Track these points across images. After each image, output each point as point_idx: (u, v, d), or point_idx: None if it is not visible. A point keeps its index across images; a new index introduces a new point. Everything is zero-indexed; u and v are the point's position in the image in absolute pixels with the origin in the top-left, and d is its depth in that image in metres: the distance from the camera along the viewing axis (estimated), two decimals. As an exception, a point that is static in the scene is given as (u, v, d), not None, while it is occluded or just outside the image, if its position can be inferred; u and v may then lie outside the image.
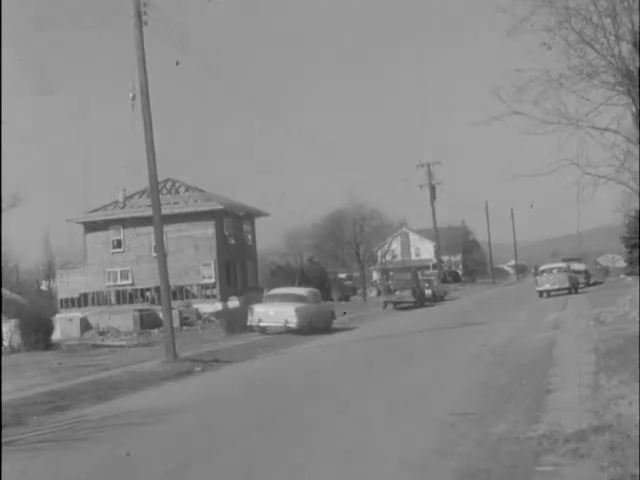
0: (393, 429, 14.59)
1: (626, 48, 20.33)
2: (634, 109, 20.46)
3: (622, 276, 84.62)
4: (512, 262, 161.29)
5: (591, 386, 17.03)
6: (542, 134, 21.34)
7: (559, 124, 21.08)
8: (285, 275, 72.97)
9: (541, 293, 63.03)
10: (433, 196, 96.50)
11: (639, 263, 69.24)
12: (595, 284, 76.65)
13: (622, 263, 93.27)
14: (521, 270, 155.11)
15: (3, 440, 15.42)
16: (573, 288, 64.20)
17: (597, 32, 20.50)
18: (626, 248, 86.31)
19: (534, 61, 20.92)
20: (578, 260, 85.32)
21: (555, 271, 65.53)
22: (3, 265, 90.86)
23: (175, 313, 45.38)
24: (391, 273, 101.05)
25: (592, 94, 21.05)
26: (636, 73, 20.13)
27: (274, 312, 40.80)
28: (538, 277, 66.41)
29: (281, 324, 40.56)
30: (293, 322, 40.33)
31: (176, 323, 42.92)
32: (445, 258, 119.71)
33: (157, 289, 46.65)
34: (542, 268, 68.23)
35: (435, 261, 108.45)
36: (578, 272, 73.18)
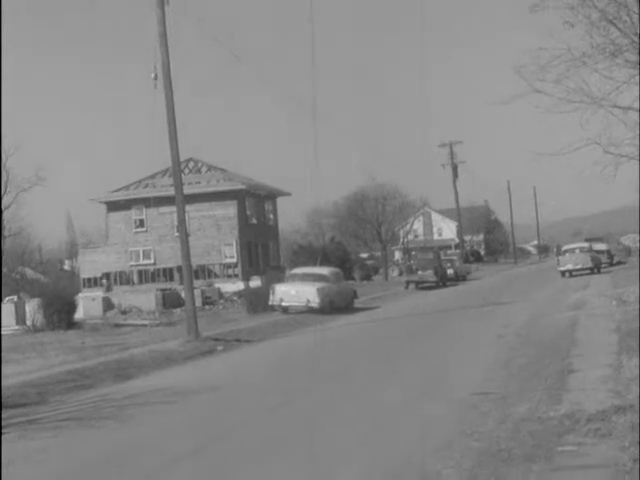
0: (416, 409, 14.60)
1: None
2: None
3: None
4: (534, 242, 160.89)
5: (613, 366, 16.99)
6: (564, 113, 21.23)
7: (581, 103, 20.97)
8: (307, 255, 72.99)
9: (563, 273, 62.89)
10: (455, 175, 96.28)
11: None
12: (618, 264, 76.33)
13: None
14: (543, 250, 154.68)
15: (25, 419, 15.56)
16: (595, 268, 64.02)
17: (620, 10, 20.34)
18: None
19: (556, 40, 20.79)
20: (600, 240, 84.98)
21: (577, 251, 65.35)
22: (26, 245, 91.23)
23: (197, 292, 45.48)
24: (413, 253, 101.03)
25: (615, 73, 20.93)
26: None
27: (296, 292, 40.88)
28: (560, 257, 66.22)
29: (303, 304, 40.62)
30: (315, 302, 40.38)
31: (198, 302, 43.10)
32: (467, 238, 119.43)
33: (179, 268, 46.73)
34: (564, 248, 68.03)
35: (457, 241, 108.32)
36: (600, 252, 72.87)
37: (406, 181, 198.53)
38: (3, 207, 77.37)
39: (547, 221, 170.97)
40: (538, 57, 20.65)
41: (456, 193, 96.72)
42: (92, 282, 69.12)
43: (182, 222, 30.57)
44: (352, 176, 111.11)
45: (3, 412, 15.97)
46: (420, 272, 65.88)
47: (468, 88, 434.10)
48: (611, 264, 74.26)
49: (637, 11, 20.14)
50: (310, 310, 40.09)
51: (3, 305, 45.71)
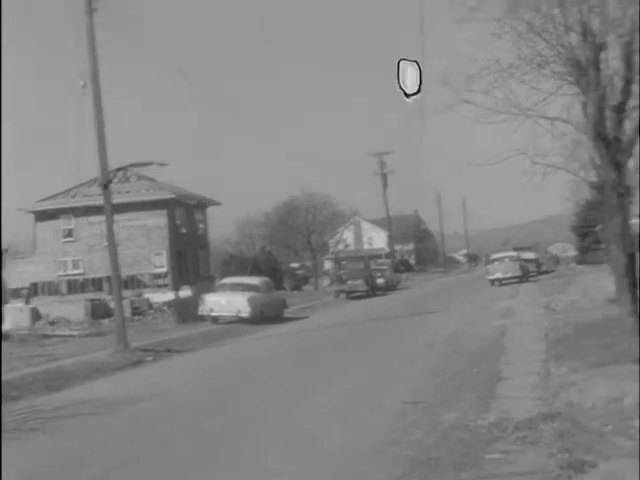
0: (346, 419, 14.61)
1: (575, 38, 20.46)
2: (583, 99, 20.61)
3: (572, 265, 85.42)
4: (464, 251, 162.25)
5: (541, 374, 17.19)
6: (492, 123, 21.45)
7: (509, 113, 21.19)
8: (237, 264, 72.82)
9: (492, 282, 63.41)
10: (385, 185, 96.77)
11: (590, 252, 69.91)
12: (546, 273, 77.23)
13: (572, 252, 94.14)
14: (473, 259, 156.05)
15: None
16: (524, 277, 64.67)
17: (546, 22, 20.60)
18: (576, 237, 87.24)
19: (484, 51, 21.02)
20: (529, 249, 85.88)
21: (506, 260, 65.96)
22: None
23: (126, 303, 45.11)
24: (343, 262, 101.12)
25: (542, 84, 21.18)
26: (585, 63, 20.27)
27: (226, 301, 40.75)
28: (489, 266, 66.81)
29: (233, 313, 40.50)
30: (245, 311, 40.29)
31: (127, 313, 42.69)
32: (398, 247, 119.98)
33: (109, 279, 46.34)
34: (493, 257, 68.65)
35: (388, 250, 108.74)
36: (529, 261, 73.70)
37: (336, 191, 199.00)
38: None
39: (477, 230, 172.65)
40: (467, 68, 20.86)
41: (386, 202, 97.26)
42: (19, 292, 68.19)
43: (111, 232, 30.31)
44: (283, 186, 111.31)
45: None
46: (350, 282, 66.04)
47: (398, 98, 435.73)
48: (539, 273, 75.10)
49: (562, 23, 20.43)
50: (240, 320, 39.97)
51: None
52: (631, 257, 21.34)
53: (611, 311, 23.67)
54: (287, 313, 45.71)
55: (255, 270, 67.33)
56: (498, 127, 21.80)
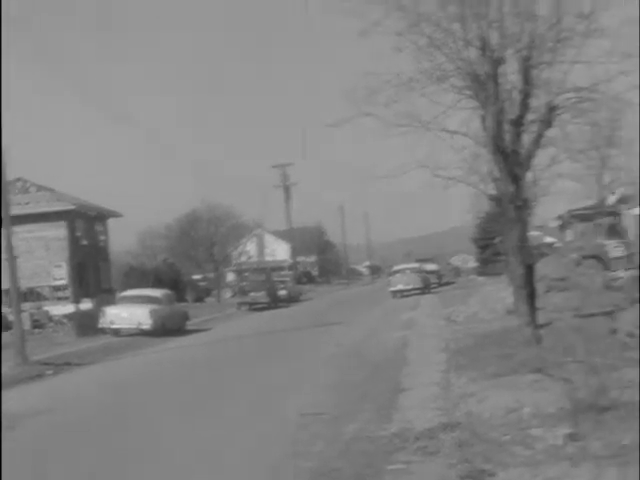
0: (246, 431, 14.57)
1: (474, 53, 20.71)
2: (482, 112, 20.88)
3: (473, 276, 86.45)
4: (367, 263, 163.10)
5: (442, 384, 17.35)
6: (394, 136, 21.59)
7: (410, 126, 21.34)
8: (139, 276, 72.16)
9: (394, 293, 63.78)
10: (288, 197, 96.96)
11: (490, 263, 70.83)
12: (447, 284, 78.09)
13: (473, 263, 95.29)
14: (375, 271, 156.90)
15: None
16: (426, 288, 65.23)
17: (447, 37, 20.80)
18: (477, 249, 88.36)
19: (386, 64, 21.15)
20: (431, 260, 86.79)
21: (408, 271, 66.47)
22: None
23: (25, 315, 44.32)
24: (246, 274, 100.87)
25: (442, 97, 21.36)
26: (484, 77, 20.54)
27: (127, 314, 40.36)
28: (391, 277, 67.27)
29: (134, 326, 40.14)
30: (147, 324, 39.95)
31: (27, 326, 41.98)
32: (300, 259, 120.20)
33: (7, 291, 45.51)
34: (395, 269, 69.17)
35: (290, 262, 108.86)
36: (430, 272, 74.50)
37: (239, 202, 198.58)
38: None
39: (380, 242, 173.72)
40: (369, 81, 20.96)
41: (289, 214, 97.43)
42: None
43: (9, 243, 29.80)
44: (185, 197, 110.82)
45: None
46: (252, 293, 65.99)
47: (304, 111, 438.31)
48: (440, 284, 75.91)
49: (462, 38, 20.67)
50: (142, 332, 39.63)
51: None
52: (529, 268, 21.66)
53: (510, 322, 24.00)
54: (189, 325, 45.46)
55: (157, 282, 66.81)
56: (400, 140, 21.97)
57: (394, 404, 15.71)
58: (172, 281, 73.27)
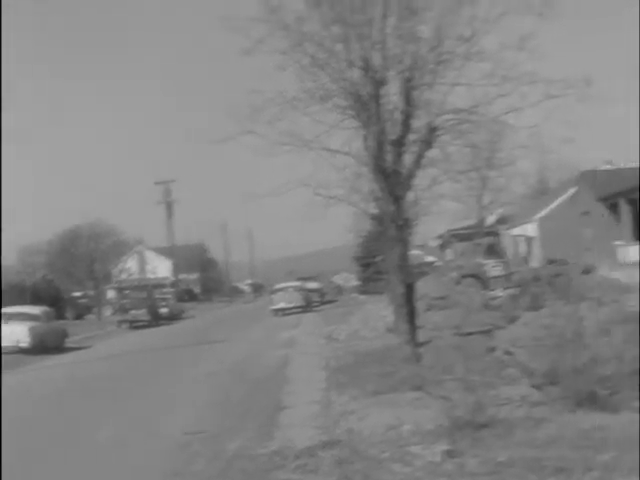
0: (125, 450, 14.39)
1: (357, 73, 20.91)
2: (364, 132, 21.06)
3: (355, 295, 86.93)
4: (249, 281, 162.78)
5: (323, 402, 17.39)
6: (277, 155, 21.64)
7: (292, 145, 21.42)
8: (17, 293, 70.72)
9: (276, 311, 63.72)
10: (170, 213, 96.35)
11: (371, 282, 71.34)
12: (329, 302, 78.34)
13: (355, 282, 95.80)
14: (258, 289, 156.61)
15: None
16: (307, 306, 65.36)
17: (330, 57, 20.97)
18: (359, 267, 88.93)
19: (270, 83, 21.22)
20: (313, 279, 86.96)
21: (290, 290, 66.53)
22: None
23: None
24: (127, 291, 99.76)
25: (325, 117, 21.50)
26: (366, 98, 20.74)
27: (5, 331, 39.49)
28: (273, 295, 67.25)
29: (12, 344, 39.29)
30: (25, 341, 39.19)
31: None
32: (182, 276, 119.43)
33: None
34: (277, 287, 69.17)
35: (172, 279, 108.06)
36: (313, 290, 74.71)
37: (121, 219, 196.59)
38: None
39: (263, 260, 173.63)
40: (253, 99, 20.99)
41: (171, 231, 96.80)
42: None
43: None
44: (66, 213, 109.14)
45: None
46: (133, 311, 65.34)
47: (187, 127, 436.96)
48: (322, 302, 76.13)
49: (345, 58, 20.86)
50: (20, 350, 38.82)
51: None
52: (409, 287, 21.89)
53: (390, 340, 24.21)
54: (69, 343, 44.77)
55: (35, 299, 65.62)
56: (283, 158, 22.03)
57: (275, 422, 15.70)
58: (51, 298, 72.02)
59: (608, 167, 68.84)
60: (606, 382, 13.52)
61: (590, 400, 13.12)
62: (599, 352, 14.36)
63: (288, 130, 21.39)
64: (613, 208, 55.28)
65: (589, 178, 62.32)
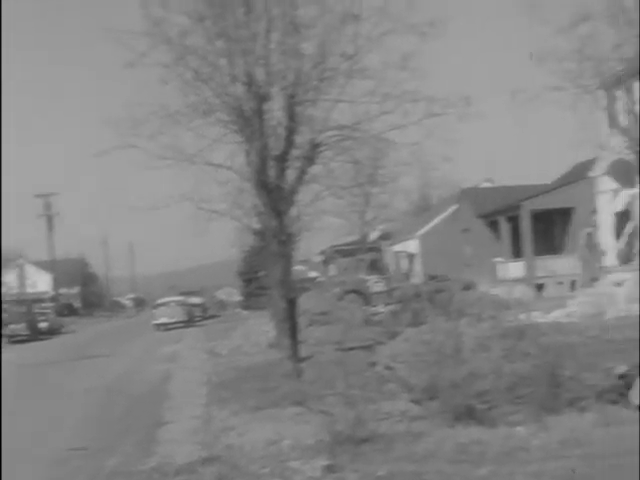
0: (4, 470, 14.08)
1: (240, 88, 20.90)
2: (247, 147, 21.06)
3: (238, 310, 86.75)
4: (131, 295, 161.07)
5: (204, 418, 17.32)
6: (159, 168, 21.48)
7: (175, 159, 21.29)
8: None
9: (158, 326, 63.10)
10: (50, 227, 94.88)
11: (254, 297, 71.33)
12: (212, 317, 78.00)
13: (238, 297, 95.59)
14: (140, 303, 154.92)
15: None
16: (190, 321, 64.95)
17: (213, 71, 20.93)
18: (242, 282, 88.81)
19: (153, 96, 21.08)
20: (195, 293, 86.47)
21: (172, 304, 66.03)
22: None
23: None
24: (5, 306, 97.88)
25: (208, 131, 21.45)
26: (249, 113, 20.75)
27: None
28: (155, 310, 66.69)
29: None
30: None
31: None
32: (63, 291, 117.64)
33: None
34: (159, 301, 68.63)
35: (52, 294, 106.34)
36: (195, 305, 74.28)
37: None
38: None
39: (145, 274, 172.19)
40: (135, 112, 20.82)
41: (51, 245, 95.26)
42: None
43: None
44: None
45: None
46: (12, 326, 64.04)
47: (69, 139, 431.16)
48: (205, 317, 75.78)
49: (229, 72, 20.85)
50: None
51: None
52: (291, 302, 21.94)
53: (272, 355, 24.25)
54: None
55: None
56: (165, 172, 21.89)
57: (155, 438, 15.58)
58: None
59: (488, 185, 70.25)
60: (484, 397, 13.74)
61: (468, 414, 13.32)
62: (477, 367, 14.58)
63: (170, 144, 21.28)
64: (493, 225, 56.24)
65: (470, 195, 63.38)
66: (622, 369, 13.96)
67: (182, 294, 79.25)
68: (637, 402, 13.21)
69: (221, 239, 75.16)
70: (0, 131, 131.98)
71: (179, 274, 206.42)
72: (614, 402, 13.58)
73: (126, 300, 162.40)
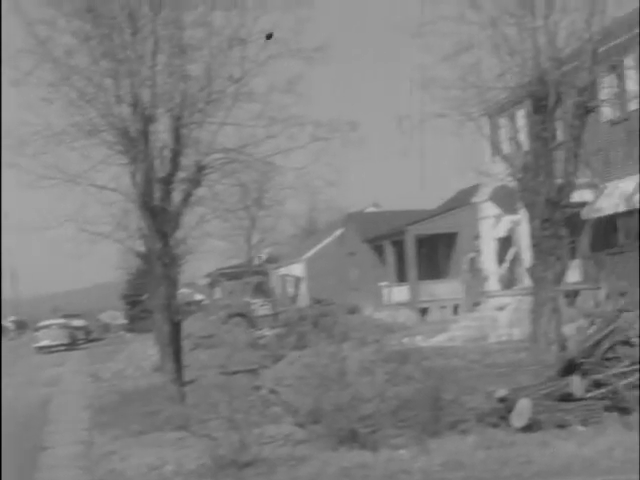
0: None
1: (126, 109, 20.77)
2: (132, 168, 20.89)
3: (122, 333, 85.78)
4: (12, 318, 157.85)
5: (86, 442, 17.06)
6: (42, 188, 21.17)
7: (58, 179, 21.02)
8: None
9: (40, 349, 62.05)
10: None
11: (139, 320, 70.70)
12: (96, 340, 76.96)
13: (122, 320, 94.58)
14: (22, 326, 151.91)
15: None
16: (73, 344, 64.00)
17: (98, 92, 20.76)
18: (126, 305, 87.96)
19: (36, 115, 20.78)
20: (78, 316, 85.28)
21: (54, 327, 65.04)
22: None
23: None
24: None
25: (93, 152, 21.24)
26: (135, 134, 20.60)
27: None
28: (37, 333, 65.61)
29: None
30: None
31: None
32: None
33: None
34: (41, 324, 67.53)
35: None
36: (78, 328, 73.26)
37: None
38: None
39: (26, 296, 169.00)
40: (16, 131, 20.54)
41: None
42: None
43: None
44: None
45: None
46: None
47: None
48: (88, 340, 74.76)
49: (114, 93, 20.71)
50: None
51: None
52: (175, 326, 21.80)
53: (156, 379, 24.00)
54: None
55: None
56: (49, 192, 21.58)
57: (36, 463, 15.28)
58: None
59: (374, 209, 70.91)
60: (367, 420, 13.81)
61: (352, 438, 13.36)
62: (361, 391, 14.66)
63: (54, 164, 21.00)
64: (378, 250, 56.77)
65: (356, 220, 63.85)
66: (502, 392, 14.16)
67: (65, 317, 78.11)
68: (517, 425, 13.42)
69: (106, 261, 74.13)
70: None
71: (63, 296, 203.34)
72: (495, 425, 13.75)
73: (8, 322, 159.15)
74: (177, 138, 21.19)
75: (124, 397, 23.38)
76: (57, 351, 60.21)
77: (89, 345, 68.74)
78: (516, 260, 36.88)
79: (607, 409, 14.01)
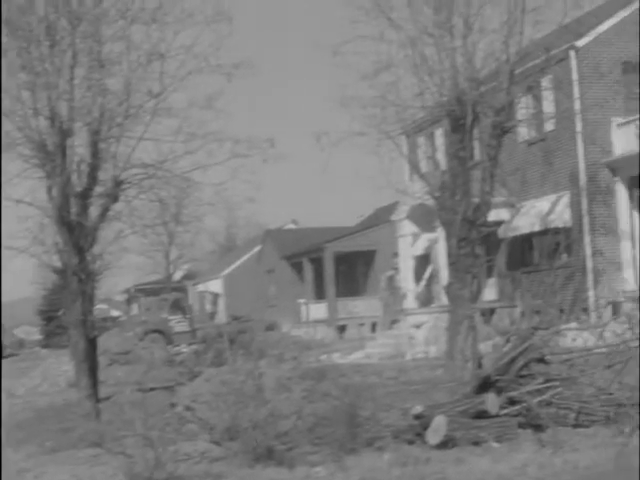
0: None
1: (43, 122, 20.54)
2: (48, 183, 20.63)
3: (37, 348, 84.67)
4: None
5: (-2, 460, 16.77)
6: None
7: (-27, 193, 20.72)
8: None
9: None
10: None
11: (54, 336, 69.82)
12: (10, 356, 75.80)
13: (38, 335, 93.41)
14: None
15: None
16: (-15, 361, 63.13)
17: (15, 104, 20.51)
18: (42, 321, 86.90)
19: None
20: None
21: (-33, 342, 64.14)
22: None
23: None
24: None
25: (9, 165, 20.95)
26: (51, 148, 20.37)
27: None
28: (-52, 348, 64.59)
29: None
30: None
31: None
32: None
33: None
34: (-47, 339, 66.54)
35: None
36: (-8, 344, 72.21)
37: None
38: None
39: None
40: None
41: None
42: None
43: None
44: None
45: None
46: None
47: None
48: (1, 356, 73.64)
49: (31, 106, 20.47)
50: None
51: None
52: (91, 342, 21.55)
53: (71, 395, 23.71)
54: None
55: None
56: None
57: None
58: None
59: (293, 226, 71.06)
60: (284, 437, 13.79)
61: (268, 455, 13.33)
62: (278, 408, 14.64)
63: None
64: (297, 267, 56.87)
65: (274, 237, 63.95)
66: (418, 409, 14.23)
67: (-21, 332, 76.91)
68: (433, 442, 13.50)
69: (21, 276, 73.21)
70: None
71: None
72: (410, 442, 13.82)
73: None
74: (95, 152, 20.98)
75: (38, 414, 23.07)
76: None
77: (3, 361, 67.69)
78: (433, 278, 37.23)
79: (521, 426, 14.17)
